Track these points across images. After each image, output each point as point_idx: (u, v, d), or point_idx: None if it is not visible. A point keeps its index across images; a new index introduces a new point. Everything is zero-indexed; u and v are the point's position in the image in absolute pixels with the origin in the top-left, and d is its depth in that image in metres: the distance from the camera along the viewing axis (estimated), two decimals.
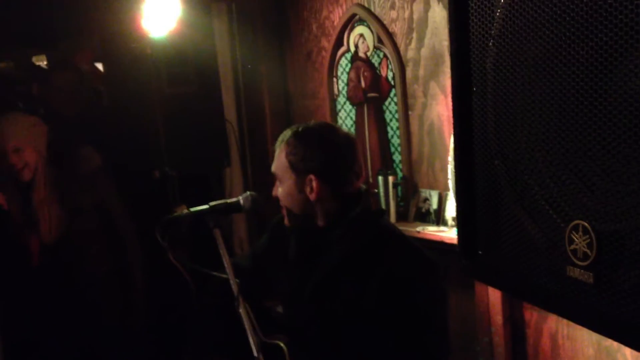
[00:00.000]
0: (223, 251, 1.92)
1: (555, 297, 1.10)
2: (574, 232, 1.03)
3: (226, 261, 1.89)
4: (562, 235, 1.05)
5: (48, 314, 2.94)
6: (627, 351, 2.53)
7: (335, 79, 4.01)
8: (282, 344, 1.92)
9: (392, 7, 3.52)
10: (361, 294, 1.88)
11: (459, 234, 1.36)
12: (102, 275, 3.12)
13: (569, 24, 1.00)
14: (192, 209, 2.02)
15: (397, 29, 3.51)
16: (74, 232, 3.03)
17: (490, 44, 1.20)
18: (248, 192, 2.10)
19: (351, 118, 3.95)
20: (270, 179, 2.12)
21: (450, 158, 3.07)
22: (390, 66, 3.59)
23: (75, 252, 3.03)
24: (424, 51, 3.37)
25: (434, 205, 3.37)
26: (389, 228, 2.08)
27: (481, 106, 1.26)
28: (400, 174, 3.62)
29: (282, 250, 2.13)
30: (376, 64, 3.70)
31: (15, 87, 4.11)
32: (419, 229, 3.31)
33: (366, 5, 3.68)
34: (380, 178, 3.60)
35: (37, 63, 4.33)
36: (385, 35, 3.56)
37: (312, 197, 1.95)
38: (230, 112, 4.29)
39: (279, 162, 2.01)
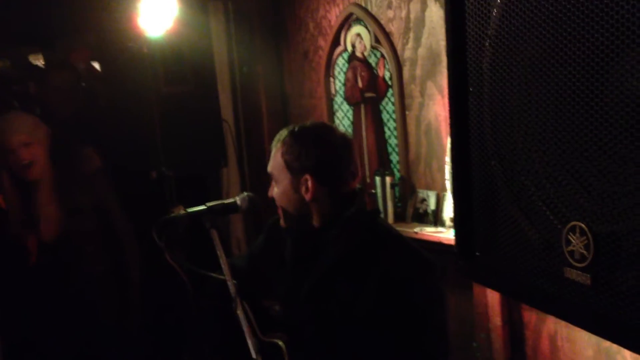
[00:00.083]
0: (220, 252, 1.91)
1: (552, 299, 1.10)
2: (571, 233, 1.02)
3: (223, 262, 1.89)
4: (559, 237, 1.05)
5: (46, 313, 2.94)
6: (627, 353, 2.52)
7: (332, 79, 4.00)
8: (280, 343, 1.92)
9: (389, 6, 3.51)
10: (358, 294, 1.87)
11: (456, 235, 1.36)
12: (99, 274, 3.11)
13: (565, 23, 1.00)
14: (189, 210, 2.01)
15: (394, 28, 3.50)
16: (72, 231, 3.03)
17: (487, 43, 1.20)
18: (245, 193, 2.09)
19: (348, 118, 3.95)
20: (268, 179, 2.11)
21: (448, 158, 3.07)
22: (387, 66, 3.58)
23: (73, 251, 3.03)
24: (421, 51, 3.36)
25: (432, 205, 3.37)
26: (385, 228, 2.08)
27: (478, 106, 1.25)
28: (397, 175, 3.62)
29: (278, 250, 2.13)
30: (373, 64, 3.69)
31: (12, 86, 4.11)
32: (416, 229, 3.30)
33: (363, 4, 3.67)
34: (377, 178, 3.59)
35: (34, 62, 4.32)
36: (382, 34, 3.55)
37: (308, 197, 1.94)
38: (227, 111, 4.29)
39: (275, 161, 2.01)
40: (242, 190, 4.14)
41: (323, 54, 4.01)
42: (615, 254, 0.96)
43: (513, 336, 3.00)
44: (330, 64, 3.98)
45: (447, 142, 3.10)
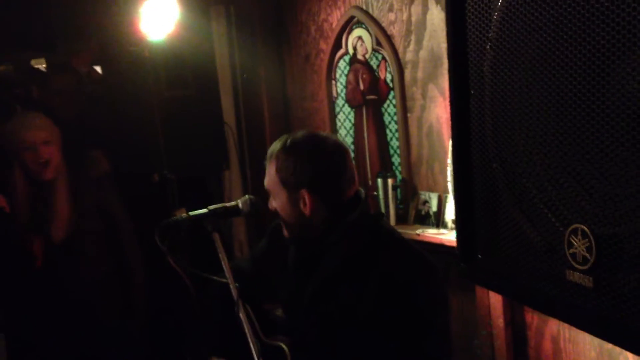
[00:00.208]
0: (222, 255, 1.91)
1: (554, 301, 1.10)
2: (573, 235, 1.02)
3: (225, 265, 1.89)
4: (561, 239, 1.05)
5: (50, 314, 2.95)
6: (630, 354, 2.52)
7: (333, 82, 4.01)
8: (284, 346, 1.92)
9: (391, 9, 3.51)
10: (360, 297, 1.87)
11: (458, 237, 1.36)
12: (103, 277, 3.12)
13: (565, 26, 1.00)
14: (191, 213, 2.01)
15: (396, 31, 3.50)
16: (79, 233, 3.03)
17: (488, 46, 1.20)
18: (247, 196, 2.09)
19: (350, 120, 3.95)
20: None
21: (450, 160, 3.07)
22: (388, 68, 3.59)
23: (79, 253, 3.04)
24: (423, 53, 3.37)
25: (434, 207, 3.37)
26: (388, 231, 2.07)
27: (479, 109, 1.25)
28: (399, 177, 3.62)
29: (281, 254, 2.12)
30: (375, 67, 3.70)
31: (14, 90, 4.11)
32: (418, 231, 3.30)
33: (364, 7, 3.68)
34: (379, 181, 3.59)
35: (36, 66, 4.33)
36: (383, 37, 3.55)
37: (307, 211, 1.92)
38: (229, 114, 4.29)
39: (270, 178, 1.98)
40: (244, 192, 4.14)
41: (324, 56, 4.01)
42: (617, 256, 0.96)
43: (515, 337, 2.99)
44: (331, 67, 3.98)
45: (449, 144, 3.10)
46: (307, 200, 1.91)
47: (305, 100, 4.29)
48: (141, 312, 3.22)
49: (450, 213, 3.24)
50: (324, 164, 1.93)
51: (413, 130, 3.50)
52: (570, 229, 1.03)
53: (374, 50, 3.68)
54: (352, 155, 3.89)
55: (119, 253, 3.16)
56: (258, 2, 4.38)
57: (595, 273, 1.00)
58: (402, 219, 3.56)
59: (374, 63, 3.69)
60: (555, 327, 2.83)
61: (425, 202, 3.44)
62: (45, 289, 2.95)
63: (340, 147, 1.99)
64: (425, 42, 3.34)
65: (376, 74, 3.69)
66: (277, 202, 1.99)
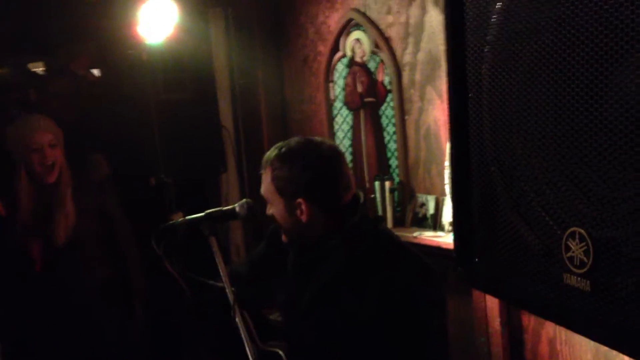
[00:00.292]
0: (219, 259, 1.91)
1: (552, 305, 1.09)
2: (570, 239, 1.02)
3: (222, 270, 1.88)
4: (559, 243, 1.05)
5: (48, 318, 2.94)
6: (626, 357, 2.52)
7: (331, 84, 4.01)
8: (280, 352, 1.91)
9: (389, 11, 3.52)
10: (360, 301, 1.87)
11: (455, 241, 1.36)
12: (102, 280, 3.11)
13: (564, 29, 0.99)
14: (188, 217, 2.01)
15: (394, 33, 3.51)
16: (80, 237, 3.03)
17: (486, 49, 1.19)
18: (244, 200, 2.09)
19: (348, 123, 3.95)
20: None
21: (447, 163, 3.07)
22: (386, 71, 3.59)
23: (79, 257, 3.03)
24: (421, 56, 3.37)
25: (431, 210, 3.37)
26: (387, 235, 2.06)
27: (477, 112, 1.25)
28: (397, 179, 3.62)
29: (279, 258, 2.12)
30: (372, 69, 3.70)
31: (12, 94, 4.10)
32: (416, 234, 3.30)
33: (362, 10, 3.68)
34: (376, 183, 3.59)
35: (34, 70, 4.32)
36: (381, 40, 3.56)
37: (304, 219, 1.91)
38: (226, 117, 4.29)
39: (266, 186, 1.97)
40: (242, 196, 4.14)
41: (323, 59, 4.01)
42: (615, 260, 0.96)
43: (512, 340, 2.99)
44: (329, 70, 3.98)
45: (447, 147, 3.11)
46: (304, 208, 1.91)
47: (303, 103, 4.29)
48: (140, 315, 3.21)
49: (447, 216, 3.24)
50: (319, 171, 1.92)
51: (411, 132, 3.50)
52: (567, 232, 1.02)
53: (372, 52, 3.68)
54: (350, 157, 3.89)
55: (119, 256, 3.16)
56: (256, 5, 4.38)
57: (593, 277, 0.99)
58: (399, 221, 3.56)
59: (371, 65, 3.69)
60: (551, 330, 2.83)
61: (423, 204, 3.44)
62: (44, 293, 2.94)
63: (335, 153, 1.98)
64: (423, 45, 3.34)
65: (374, 76, 3.69)
66: (274, 209, 1.98)
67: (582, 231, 1.00)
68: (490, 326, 2.99)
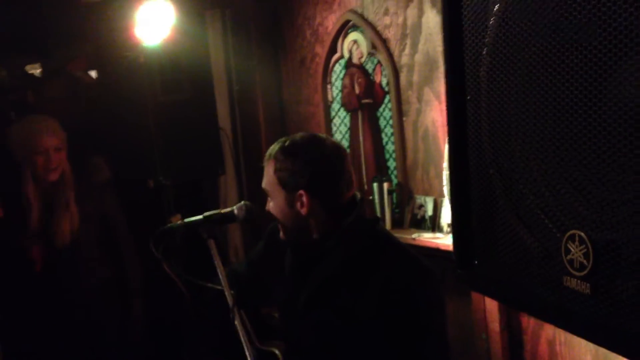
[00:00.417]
0: (218, 262, 1.91)
1: (551, 308, 1.09)
2: (570, 241, 1.02)
3: (221, 272, 1.88)
4: (559, 245, 1.04)
5: (48, 319, 2.94)
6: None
7: (329, 86, 4.00)
8: (277, 351, 1.91)
9: (386, 13, 3.51)
10: (360, 301, 1.86)
11: (455, 244, 1.36)
12: (101, 282, 3.12)
13: (562, 31, 0.99)
14: (186, 220, 2.01)
15: (391, 35, 3.50)
16: (81, 239, 3.03)
17: (484, 52, 1.19)
18: (242, 202, 2.08)
19: (345, 124, 3.95)
20: None
21: (445, 164, 3.07)
22: (384, 72, 3.59)
23: (79, 259, 3.03)
24: (418, 57, 3.37)
25: (429, 211, 3.37)
26: (385, 235, 2.06)
27: (475, 114, 1.25)
28: (395, 181, 3.61)
29: (278, 258, 2.12)
30: (370, 70, 3.69)
31: (9, 96, 4.09)
32: (414, 235, 3.30)
33: (360, 11, 3.68)
34: (375, 185, 3.59)
35: (31, 72, 4.31)
36: (379, 41, 3.55)
37: (304, 211, 1.92)
38: (224, 119, 4.28)
39: (268, 178, 1.97)
40: (240, 197, 4.14)
41: (320, 61, 4.01)
42: (614, 262, 0.95)
43: (511, 341, 2.99)
44: (327, 71, 3.98)
45: (445, 148, 3.10)
46: (304, 201, 1.90)
47: (301, 105, 4.29)
48: (140, 315, 3.21)
49: (445, 217, 3.24)
50: (322, 165, 1.92)
51: (409, 134, 3.50)
52: (567, 235, 1.02)
53: (369, 54, 3.68)
54: None
55: (118, 258, 3.17)
56: (254, 7, 4.38)
57: (593, 279, 0.99)
58: (397, 223, 3.56)
59: (369, 67, 3.69)
60: (551, 331, 2.83)
61: (421, 206, 3.43)
62: (44, 293, 2.94)
63: (339, 149, 1.98)
64: (420, 46, 3.34)
65: (372, 77, 3.69)
66: (274, 202, 1.98)
67: (582, 234, 1.00)
68: (490, 328, 2.98)
